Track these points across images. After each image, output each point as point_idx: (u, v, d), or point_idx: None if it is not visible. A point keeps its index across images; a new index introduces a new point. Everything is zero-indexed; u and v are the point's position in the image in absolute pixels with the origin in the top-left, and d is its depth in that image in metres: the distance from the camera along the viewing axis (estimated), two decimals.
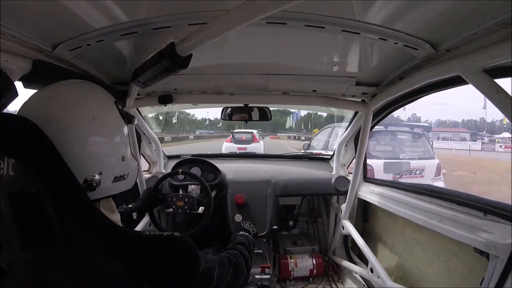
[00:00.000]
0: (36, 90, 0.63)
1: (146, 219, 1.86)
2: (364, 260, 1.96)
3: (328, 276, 2.05)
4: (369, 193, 1.90)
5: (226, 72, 1.37)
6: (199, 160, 2.09)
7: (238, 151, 7.58)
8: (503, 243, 0.94)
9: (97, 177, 0.59)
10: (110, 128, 0.64)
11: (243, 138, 10.22)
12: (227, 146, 9.96)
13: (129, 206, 1.39)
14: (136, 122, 0.87)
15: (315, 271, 1.99)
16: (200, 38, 0.75)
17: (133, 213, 1.36)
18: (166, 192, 1.83)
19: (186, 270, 0.60)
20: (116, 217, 0.69)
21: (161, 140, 2.40)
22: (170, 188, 1.93)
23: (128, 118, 0.70)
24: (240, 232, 1.29)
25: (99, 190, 0.60)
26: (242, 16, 0.65)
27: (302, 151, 4.39)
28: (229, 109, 1.73)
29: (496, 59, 0.77)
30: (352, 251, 2.15)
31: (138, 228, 1.78)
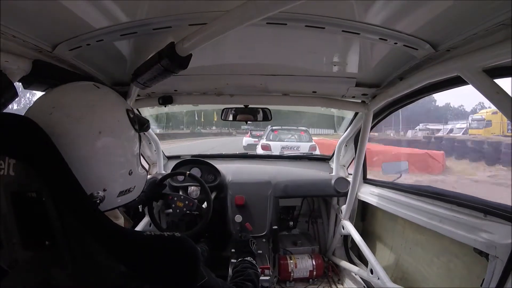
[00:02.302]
0: (38, 92, 0.61)
1: (146, 219, 1.86)
2: (364, 261, 1.96)
3: (328, 277, 2.05)
4: (369, 194, 1.90)
5: (226, 73, 1.37)
6: (199, 161, 2.09)
7: (254, 143, 11.62)
8: (503, 243, 0.94)
9: (101, 193, 0.57)
10: (117, 143, 0.60)
11: (258, 134, 13.01)
12: (246, 140, 12.74)
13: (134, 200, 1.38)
14: (149, 128, 0.82)
15: (314, 272, 1.98)
16: (200, 38, 0.75)
17: (139, 206, 1.34)
18: (166, 192, 1.83)
19: (187, 270, 0.60)
20: (119, 222, 0.69)
21: None
22: (170, 189, 1.93)
23: (140, 126, 0.67)
24: (248, 258, 1.19)
25: (102, 205, 0.59)
26: (242, 17, 0.65)
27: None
28: (229, 110, 1.73)
29: (496, 59, 0.77)
30: (351, 252, 2.15)
31: (139, 228, 1.78)
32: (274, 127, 8.73)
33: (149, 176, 2.15)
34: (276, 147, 7.94)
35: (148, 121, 0.74)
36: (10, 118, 0.52)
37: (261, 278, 1.66)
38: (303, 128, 9.22)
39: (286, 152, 7.50)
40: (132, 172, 0.64)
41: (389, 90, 1.29)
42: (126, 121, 0.63)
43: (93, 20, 0.82)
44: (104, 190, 0.58)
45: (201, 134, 24.56)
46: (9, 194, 0.50)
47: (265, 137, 8.87)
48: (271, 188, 2.00)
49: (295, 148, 8.00)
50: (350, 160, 2.20)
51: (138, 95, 1.52)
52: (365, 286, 1.80)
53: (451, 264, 1.32)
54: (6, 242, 0.52)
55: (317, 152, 7.65)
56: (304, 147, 7.95)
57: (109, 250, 0.51)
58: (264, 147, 8.04)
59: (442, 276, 1.37)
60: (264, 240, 1.84)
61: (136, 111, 1.74)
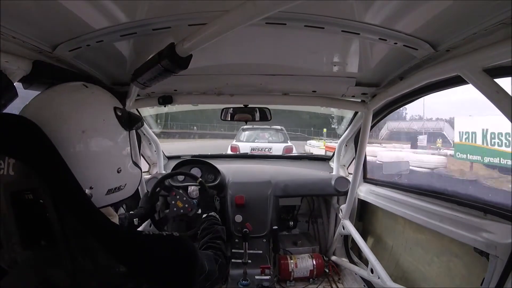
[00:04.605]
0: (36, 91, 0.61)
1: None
2: (364, 261, 1.96)
3: (328, 277, 2.05)
4: (369, 194, 1.90)
5: (226, 73, 1.37)
6: (199, 161, 2.10)
7: None
8: (503, 243, 0.94)
9: (87, 191, 0.57)
10: (102, 141, 0.60)
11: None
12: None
13: (131, 212, 1.38)
14: (142, 126, 0.82)
15: (315, 272, 1.98)
16: (200, 38, 0.74)
17: (134, 219, 1.34)
18: (166, 193, 1.82)
19: (185, 270, 0.60)
20: (114, 220, 0.69)
21: None
22: (169, 188, 1.93)
23: (131, 124, 0.67)
24: (212, 214, 1.23)
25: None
26: (242, 17, 0.65)
27: None
28: (229, 109, 1.73)
29: (496, 59, 0.77)
30: (352, 252, 2.15)
31: (139, 228, 1.77)
32: (244, 127, 7.93)
33: (149, 176, 2.15)
34: (245, 148, 7.18)
35: (141, 118, 0.73)
36: (10, 118, 0.52)
37: (262, 277, 1.67)
38: (278, 127, 8.22)
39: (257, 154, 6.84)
40: (121, 170, 0.64)
41: (389, 90, 1.29)
42: (113, 120, 0.63)
43: (93, 20, 0.82)
44: (91, 188, 0.58)
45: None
46: (9, 193, 0.51)
47: (236, 137, 8.15)
48: (271, 188, 2.00)
49: (266, 149, 7.35)
50: (350, 160, 2.20)
51: (138, 95, 1.52)
52: (366, 286, 1.81)
53: (451, 264, 1.32)
54: (6, 242, 0.52)
55: (294, 152, 7.33)
56: (277, 149, 7.20)
57: (109, 249, 0.52)
58: (233, 149, 7.26)
59: (442, 276, 1.37)
60: (264, 240, 1.84)
61: (135, 111, 1.76)
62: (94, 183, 0.59)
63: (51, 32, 0.86)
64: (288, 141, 7.87)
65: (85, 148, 0.58)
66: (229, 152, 7.07)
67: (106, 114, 0.63)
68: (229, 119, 1.75)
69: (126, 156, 0.66)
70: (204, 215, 1.22)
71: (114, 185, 0.64)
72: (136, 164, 0.72)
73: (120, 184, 0.65)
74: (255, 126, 7.90)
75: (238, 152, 6.79)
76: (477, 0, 0.67)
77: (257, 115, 1.71)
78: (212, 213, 1.23)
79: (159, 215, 2.04)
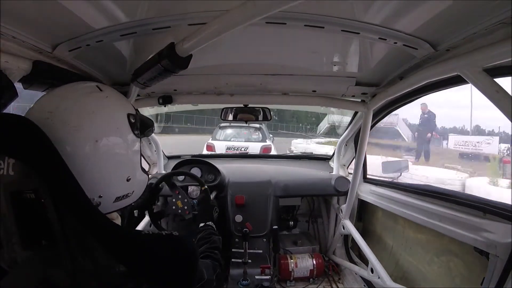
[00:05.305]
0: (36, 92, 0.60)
1: (146, 219, 1.86)
2: (364, 260, 1.96)
3: (328, 276, 2.05)
4: (369, 193, 1.90)
5: (225, 73, 1.37)
6: (199, 161, 2.10)
7: None
8: (503, 243, 0.94)
9: (96, 200, 0.57)
10: (114, 151, 0.59)
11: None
12: None
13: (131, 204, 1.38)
14: (153, 132, 0.79)
15: (315, 272, 1.98)
16: (200, 38, 0.74)
17: (134, 211, 1.33)
18: (166, 192, 1.82)
19: (185, 269, 0.60)
20: (117, 223, 0.69)
21: None
22: (170, 188, 1.93)
23: (143, 129, 0.66)
24: (209, 223, 1.22)
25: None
26: (242, 16, 0.65)
27: None
28: (229, 109, 1.73)
29: (496, 59, 0.77)
30: (352, 251, 2.15)
31: (139, 228, 1.78)
32: (222, 124, 7.54)
33: (149, 176, 2.15)
34: (220, 147, 6.86)
35: (153, 123, 0.71)
36: (10, 118, 0.52)
37: (262, 277, 1.67)
38: (257, 125, 7.43)
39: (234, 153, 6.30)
40: (130, 179, 0.63)
41: (389, 89, 1.29)
42: (126, 127, 0.62)
43: (93, 20, 0.82)
44: (100, 196, 0.58)
45: None
46: (9, 193, 0.51)
47: (212, 136, 7.72)
48: (271, 188, 2.00)
49: (242, 148, 6.95)
50: (350, 159, 2.20)
51: (138, 95, 1.52)
52: (366, 285, 1.81)
53: (451, 264, 1.32)
54: (6, 242, 0.52)
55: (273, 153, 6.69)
56: (254, 148, 6.82)
57: (109, 249, 0.52)
58: (208, 147, 6.94)
59: (443, 275, 1.37)
60: (264, 240, 1.84)
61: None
62: (103, 191, 0.58)
63: (51, 32, 0.86)
64: (267, 140, 7.33)
65: (96, 158, 0.56)
66: (204, 151, 6.77)
67: (120, 122, 0.61)
68: (229, 119, 1.76)
69: (136, 164, 0.66)
70: (202, 224, 1.21)
71: (123, 193, 0.63)
72: (144, 170, 0.71)
73: (128, 191, 0.64)
74: (232, 124, 7.26)
75: (213, 151, 6.50)
76: (477, 0, 0.67)
77: (257, 115, 1.71)
78: (210, 223, 1.23)
79: (157, 208, 2.04)
